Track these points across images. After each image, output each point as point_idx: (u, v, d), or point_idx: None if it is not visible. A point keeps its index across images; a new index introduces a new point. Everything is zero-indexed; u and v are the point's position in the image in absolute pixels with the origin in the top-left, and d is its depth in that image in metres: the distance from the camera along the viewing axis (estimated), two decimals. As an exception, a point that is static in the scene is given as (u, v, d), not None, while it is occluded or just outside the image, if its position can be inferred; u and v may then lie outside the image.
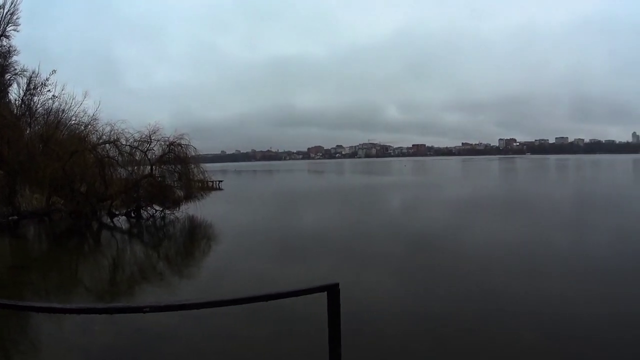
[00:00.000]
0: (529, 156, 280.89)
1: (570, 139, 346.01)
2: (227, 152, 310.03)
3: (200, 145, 33.92)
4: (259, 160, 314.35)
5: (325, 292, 2.18)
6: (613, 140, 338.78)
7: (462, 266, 13.66)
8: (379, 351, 7.76)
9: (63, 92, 31.81)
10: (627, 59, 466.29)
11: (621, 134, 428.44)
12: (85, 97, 32.33)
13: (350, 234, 20.05)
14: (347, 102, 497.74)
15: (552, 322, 8.86)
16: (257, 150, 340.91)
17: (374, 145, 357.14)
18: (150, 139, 28.34)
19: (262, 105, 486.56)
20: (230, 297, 2.23)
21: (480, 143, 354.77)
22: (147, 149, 28.37)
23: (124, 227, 25.37)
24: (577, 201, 32.94)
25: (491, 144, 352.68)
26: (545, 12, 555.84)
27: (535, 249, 15.81)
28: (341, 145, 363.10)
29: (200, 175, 29.94)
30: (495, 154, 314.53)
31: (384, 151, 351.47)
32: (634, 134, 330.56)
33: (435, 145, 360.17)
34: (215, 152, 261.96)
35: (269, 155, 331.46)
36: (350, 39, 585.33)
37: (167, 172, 29.01)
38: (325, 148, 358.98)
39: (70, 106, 31.87)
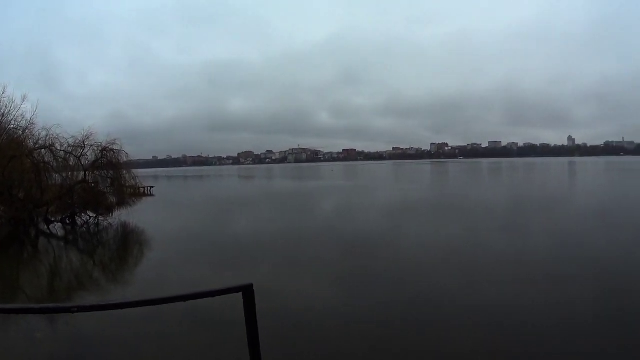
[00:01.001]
0: (461, 160, 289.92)
1: (504, 143, 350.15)
2: (159, 158, 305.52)
3: (133, 151, 34.43)
4: (190, 165, 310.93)
5: (241, 293, 2.27)
6: (548, 144, 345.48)
7: (393, 269, 14.07)
8: (308, 350, 8.28)
9: (3, 95, 31.71)
10: (563, 65, 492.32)
11: (557, 138, 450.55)
12: (24, 101, 32.28)
13: (280, 238, 21.08)
14: (279, 107, 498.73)
15: (485, 322, 9.31)
16: (189, 155, 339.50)
17: (304, 150, 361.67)
18: (84, 144, 29.00)
19: (195, 110, 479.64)
20: (150, 297, 2.29)
21: (412, 147, 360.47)
22: (81, 155, 29.01)
23: (59, 233, 25.76)
24: (508, 203, 34.06)
25: (423, 149, 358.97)
26: (482, 19, 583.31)
27: (468, 251, 16.49)
28: (271, 151, 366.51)
29: (132, 181, 30.77)
30: (427, 158, 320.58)
31: (314, 156, 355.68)
32: (569, 138, 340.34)
33: (366, 150, 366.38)
34: (147, 158, 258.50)
35: (199, 161, 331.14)
36: (285, 44, 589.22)
37: (100, 178, 29.63)
38: (255, 153, 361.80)
39: (10, 110, 31.75)
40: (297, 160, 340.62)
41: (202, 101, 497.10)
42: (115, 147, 29.76)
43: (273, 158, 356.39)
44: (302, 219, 29.05)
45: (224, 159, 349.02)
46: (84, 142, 29.13)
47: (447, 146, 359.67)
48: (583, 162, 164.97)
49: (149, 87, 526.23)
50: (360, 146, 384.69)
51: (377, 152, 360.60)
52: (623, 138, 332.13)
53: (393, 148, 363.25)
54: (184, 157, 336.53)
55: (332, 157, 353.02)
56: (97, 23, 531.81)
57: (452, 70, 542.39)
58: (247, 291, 2.26)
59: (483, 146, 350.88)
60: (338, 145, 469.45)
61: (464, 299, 10.89)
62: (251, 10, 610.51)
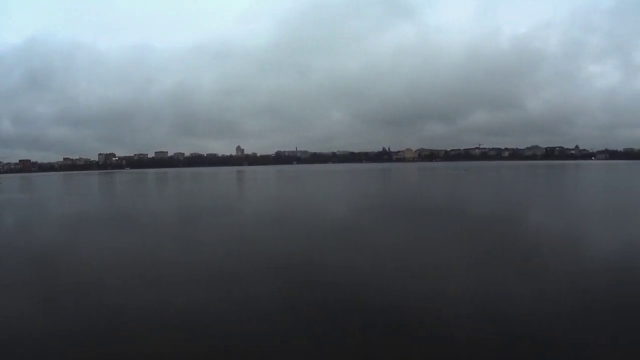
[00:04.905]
0: (128, 170, 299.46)
1: (170, 153, 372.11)
2: None
3: None
4: None
5: None
6: (215, 154, 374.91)
7: (76, 281, 13.83)
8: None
9: None
10: (237, 80, 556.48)
11: (226, 148, 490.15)
12: None
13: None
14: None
15: (167, 325, 9.80)
16: None
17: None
18: None
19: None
20: None
21: (81, 158, 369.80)
22: None
23: None
24: (170, 213, 35.22)
25: (91, 159, 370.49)
26: (161, 33, 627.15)
27: (143, 260, 16.66)
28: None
29: None
30: (95, 169, 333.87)
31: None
32: (238, 148, 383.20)
33: (40, 161, 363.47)
34: None
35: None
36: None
37: None
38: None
39: None
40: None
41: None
42: None
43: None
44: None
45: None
46: None
47: (115, 157, 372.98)
48: (251, 170, 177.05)
49: None
50: (36, 156, 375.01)
51: (49, 163, 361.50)
52: (297, 147, 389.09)
53: (64, 159, 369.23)
54: None
55: (10, 169, 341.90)
56: None
57: (125, 81, 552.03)
58: None
59: (149, 156, 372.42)
60: (17, 155, 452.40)
61: (137, 303, 11.16)
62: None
